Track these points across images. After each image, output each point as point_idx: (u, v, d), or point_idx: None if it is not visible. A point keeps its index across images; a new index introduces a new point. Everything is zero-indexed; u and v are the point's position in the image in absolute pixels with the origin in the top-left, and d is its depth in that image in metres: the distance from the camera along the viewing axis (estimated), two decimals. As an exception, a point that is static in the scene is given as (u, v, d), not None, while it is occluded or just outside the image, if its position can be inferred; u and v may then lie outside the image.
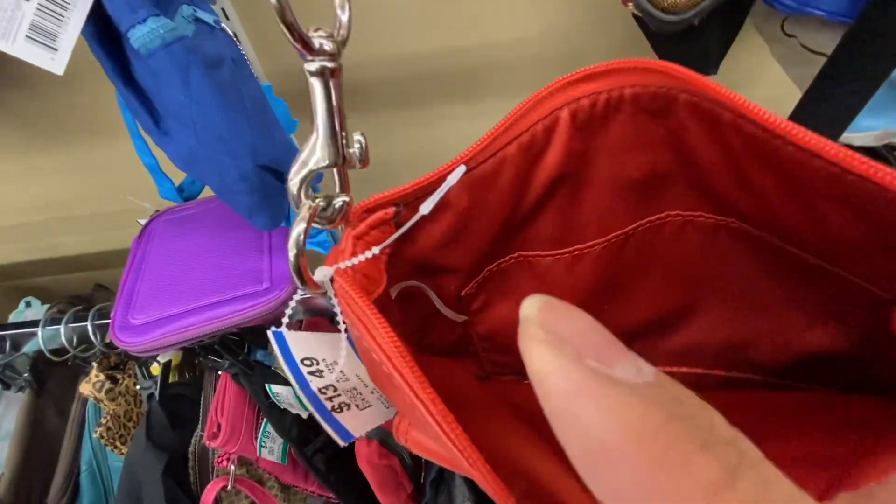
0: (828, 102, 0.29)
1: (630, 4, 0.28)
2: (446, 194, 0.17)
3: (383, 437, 0.47)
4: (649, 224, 0.19)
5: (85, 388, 0.51)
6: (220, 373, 0.53)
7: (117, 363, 0.56)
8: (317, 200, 0.15)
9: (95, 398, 0.50)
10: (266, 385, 0.53)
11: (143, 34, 0.26)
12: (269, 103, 0.34)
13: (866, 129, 0.39)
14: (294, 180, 0.15)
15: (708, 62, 0.36)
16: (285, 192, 0.39)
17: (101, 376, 0.51)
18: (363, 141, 0.16)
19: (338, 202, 0.16)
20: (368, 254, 0.16)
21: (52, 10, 0.25)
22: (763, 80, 0.56)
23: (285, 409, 0.55)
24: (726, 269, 0.19)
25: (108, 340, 0.51)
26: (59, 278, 0.86)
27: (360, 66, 0.60)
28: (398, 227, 0.17)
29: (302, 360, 0.18)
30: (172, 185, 0.52)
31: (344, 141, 0.15)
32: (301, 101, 0.43)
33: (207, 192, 0.57)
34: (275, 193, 0.37)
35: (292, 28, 0.13)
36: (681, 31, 0.26)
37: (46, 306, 0.68)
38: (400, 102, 0.65)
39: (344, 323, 0.16)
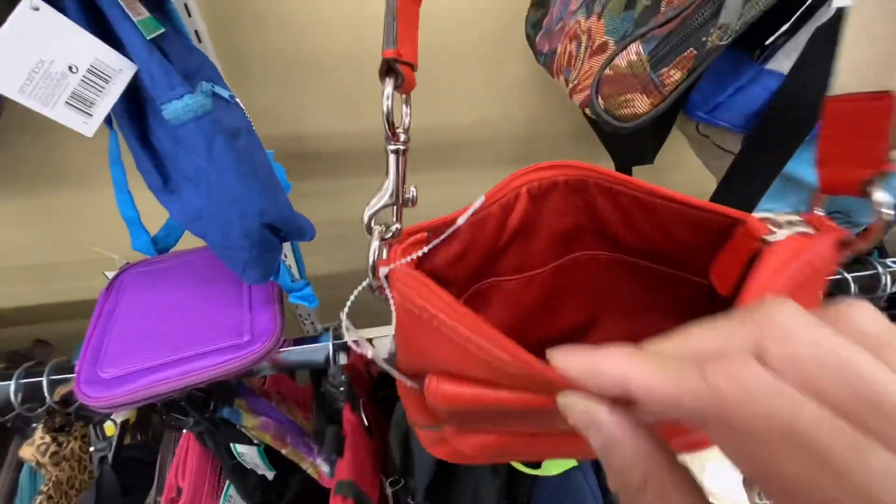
0: (736, 192, 0.37)
1: (586, 110, 0.35)
2: (458, 228, 0.25)
3: (358, 495, 0.47)
4: (571, 259, 0.30)
5: (26, 451, 0.47)
6: (182, 432, 0.51)
7: (62, 424, 0.52)
8: (379, 228, 0.23)
9: (38, 463, 0.47)
10: (231, 444, 0.52)
11: (177, 108, 0.29)
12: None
13: (766, 210, 0.48)
14: (368, 213, 0.23)
15: (647, 154, 0.44)
16: (280, 248, 0.41)
17: (47, 438, 0.48)
18: (415, 191, 0.24)
19: (394, 228, 0.23)
20: (412, 256, 0.22)
21: (94, 82, 0.28)
22: (686, 167, 0.67)
23: (250, 471, 0.53)
24: (617, 290, 0.29)
25: (58, 398, 0.48)
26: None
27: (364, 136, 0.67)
28: (427, 243, 0.24)
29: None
30: (149, 237, 0.52)
31: (403, 189, 0.23)
32: (291, 164, 0.46)
33: (178, 246, 0.57)
34: (271, 249, 0.39)
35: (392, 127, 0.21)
36: (628, 133, 0.33)
37: (-23, 363, 0.62)
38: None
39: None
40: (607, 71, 0.34)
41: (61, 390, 0.48)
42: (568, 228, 0.28)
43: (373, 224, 0.22)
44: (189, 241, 0.55)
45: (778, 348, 0.11)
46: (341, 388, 0.53)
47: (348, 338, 0.24)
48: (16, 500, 0.50)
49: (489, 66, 0.64)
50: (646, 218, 0.25)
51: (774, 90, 0.32)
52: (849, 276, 0.54)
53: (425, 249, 0.23)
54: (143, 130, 0.33)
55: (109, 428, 0.50)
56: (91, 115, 0.29)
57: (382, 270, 0.22)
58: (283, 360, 0.49)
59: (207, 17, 0.53)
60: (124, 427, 0.50)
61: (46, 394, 0.46)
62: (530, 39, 0.54)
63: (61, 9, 0.26)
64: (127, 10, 0.27)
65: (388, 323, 0.21)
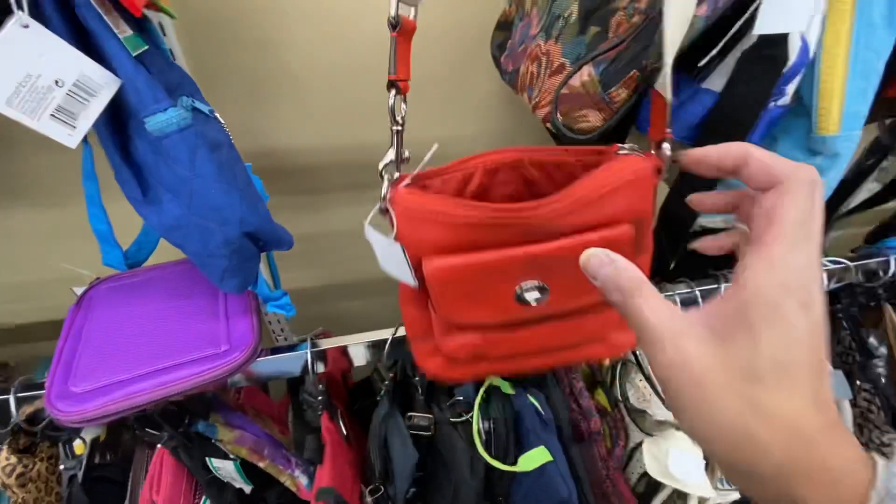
0: (683, 197, 0.41)
1: (548, 124, 0.39)
2: (434, 178, 0.36)
3: (339, 501, 0.48)
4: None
5: (-12, 475, 0.45)
6: (154, 448, 0.50)
7: (27, 445, 0.50)
8: (387, 175, 0.33)
9: (4, 484, 0.45)
10: (206, 458, 0.51)
11: (161, 120, 0.30)
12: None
13: (715, 214, 0.52)
14: (381, 165, 0.33)
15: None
16: (258, 257, 0.42)
17: (13, 459, 0.46)
18: (408, 153, 0.35)
19: (394, 174, 0.34)
20: (405, 183, 0.33)
21: (79, 96, 0.29)
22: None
23: (226, 485, 0.53)
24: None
25: (25, 417, 0.47)
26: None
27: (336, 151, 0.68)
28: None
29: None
30: (121, 252, 0.52)
31: (401, 152, 0.34)
32: (265, 179, 0.47)
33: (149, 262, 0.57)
34: (250, 258, 0.40)
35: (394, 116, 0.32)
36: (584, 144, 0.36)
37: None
38: (349, 183, 0.73)
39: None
40: (564, 90, 0.37)
41: (27, 409, 0.47)
42: (510, 192, 0.38)
43: (384, 173, 0.34)
44: (159, 257, 0.55)
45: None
46: (319, 397, 0.53)
47: (372, 236, 0.34)
48: (-25, 527, 0.47)
49: (458, 84, 0.67)
50: (558, 171, 0.37)
51: (710, 106, 0.36)
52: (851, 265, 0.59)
53: (408, 181, 0.34)
54: (123, 142, 0.34)
55: (79, 447, 0.49)
56: (75, 127, 0.30)
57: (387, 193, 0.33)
58: (258, 370, 0.50)
59: (181, 36, 0.54)
60: (94, 445, 0.49)
61: (14, 412, 0.45)
62: (496, 59, 0.58)
63: (48, 25, 0.27)
64: (112, 28, 0.29)
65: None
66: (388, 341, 0.51)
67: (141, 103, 0.30)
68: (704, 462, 0.50)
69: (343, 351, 0.52)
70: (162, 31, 0.37)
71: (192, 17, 0.54)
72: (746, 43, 0.34)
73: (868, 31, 0.35)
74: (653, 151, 0.31)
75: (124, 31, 0.30)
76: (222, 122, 0.38)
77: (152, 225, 0.37)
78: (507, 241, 0.31)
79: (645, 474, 0.51)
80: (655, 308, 0.21)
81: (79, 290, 0.54)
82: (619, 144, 0.33)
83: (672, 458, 0.47)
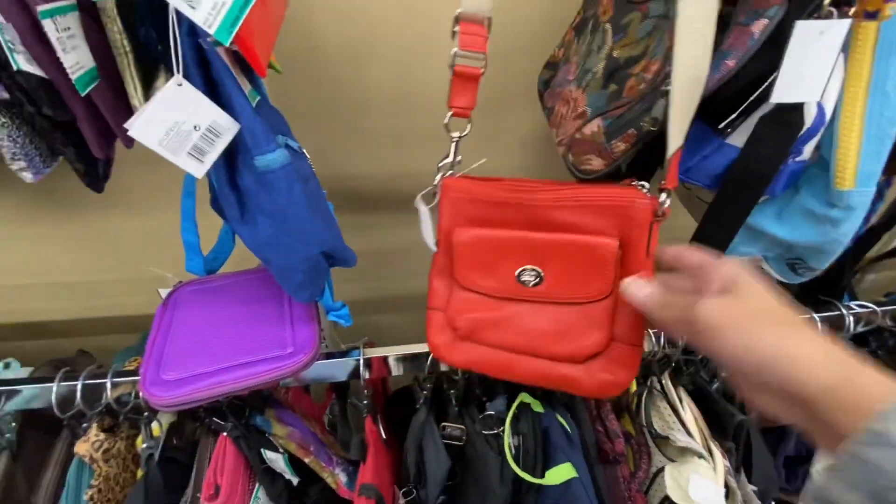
0: (710, 237, 0.45)
1: (562, 159, 0.45)
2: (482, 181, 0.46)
3: (380, 497, 0.52)
4: None
5: (81, 447, 0.52)
6: (217, 436, 0.56)
7: (111, 426, 0.57)
8: (442, 171, 0.46)
9: (91, 458, 0.52)
10: (261, 450, 0.57)
11: (269, 159, 0.37)
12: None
13: (742, 253, 0.56)
14: (439, 165, 0.46)
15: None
16: (329, 272, 0.49)
17: (102, 435, 0.53)
18: (461, 158, 0.45)
19: (448, 173, 0.46)
20: (454, 174, 0.46)
21: (209, 137, 0.36)
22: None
23: (277, 476, 0.59)
24: None
25: (114, 398, 0.54)
26: (34, 343, 0.84)
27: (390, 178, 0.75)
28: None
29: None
30: (202, 260, 0.59)
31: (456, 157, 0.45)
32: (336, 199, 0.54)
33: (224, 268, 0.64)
34: (322, 273, 0.46)
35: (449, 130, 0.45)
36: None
37: (29, 368, 0.68)
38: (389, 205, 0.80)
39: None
40: (577, 135, 0.43)
41: (116, 392, 0.54)
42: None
43: (439, 167, 0.45)
44: (229, 265, 0.63)
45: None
46: (365, 402, 0.59)
47: (420, 206, 0.46)
48: (62, 494, 0.54)
49: (498, 117, 0.73)
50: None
51: (732, 159, 0.41)
52: (815, 316, 0.61)
53: (452, 172, 0.46)
54: (232, 172, 0.41)
55: (156, 429, 0.55)
56: (203, 161, 0.37)
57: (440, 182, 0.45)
58: (313, 372, 0.55)
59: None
60: (170, 429, 0.56)
61: (109, 394, 0.52)
62: (540, 93, 0.64)
63: (190, 80, 0.35)
64: (239, 84, 0.36)
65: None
66: (430, 355, 0.56)
67: (255, 145, 0.37)
68: (724, 490, 0.52)
69: (385, 360, 0.58)
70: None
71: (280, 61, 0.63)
72: (766, 107, 0.38)
73: (882, 101, 0.39)
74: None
75: (246, 86, 0.37)
76: (307, 156, 0.45)
77: (245, 241, 0.44)
78: (515, 221, 0.42)
79: (666, 498, 0.54)
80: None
81: (164, 292, 0.61)
82: (638, 181, 0.39)
83: (693, 484, 0.50)
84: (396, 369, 0.59)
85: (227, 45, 0.31)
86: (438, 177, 0.45)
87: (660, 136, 0.38)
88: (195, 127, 0.35)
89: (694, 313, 0.31)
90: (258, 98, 0.39)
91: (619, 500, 0.58)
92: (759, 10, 0.34)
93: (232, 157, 0.41)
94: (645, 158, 0.41)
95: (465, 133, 0.45)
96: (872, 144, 0.39)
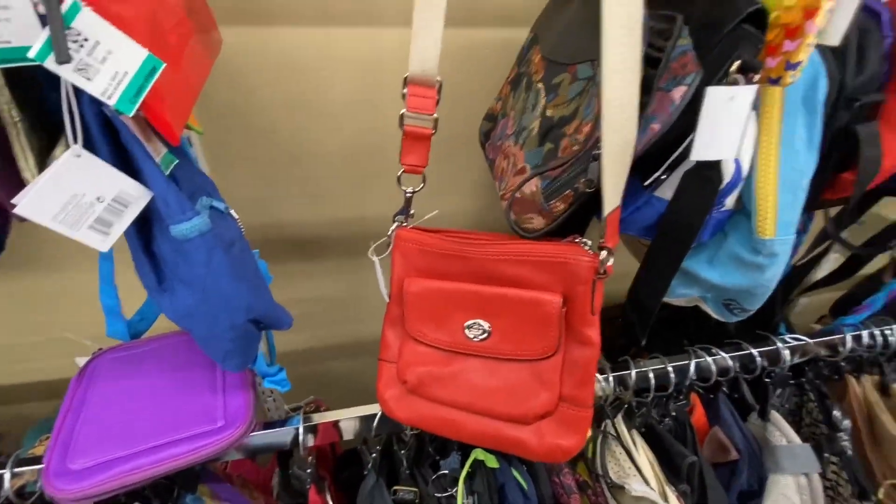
0: (650, 283, 0.46)
1: (505, 215, 0.46)
2: (434, 232, 0.45)
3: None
4: None
5: (-27, 554, 0.45)
6: (141, 523, 0.50)
7: (13, 521, 0.50)
8: (397, 222, 0.46)
9: (-14, 564, 0.45)
10: (192, 533, 0.52)
11: (185, 228, 0.35)
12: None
13: (681, 295, 0.57)
14: (394, 216, 0.46)
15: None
16: (259, 337, 0.46)
17: (0, 538, 0.46)
18: (413, 211, 0.46)
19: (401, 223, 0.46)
20: (406, 225, 0.46)
21: (115, 208, 0.33)
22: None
23: (211, 561, 0.53)
24: None
25: (15, 490, 0.47)
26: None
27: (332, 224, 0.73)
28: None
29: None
30: (125, 324, 0.55)
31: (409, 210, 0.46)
32: (265, 247, 0.51)
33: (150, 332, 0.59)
34: (252, 339, 0.43)
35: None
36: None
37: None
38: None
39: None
40: (517, 194, 0.44)
41: (16, 482, 0.48)
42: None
43: (394, 219, 0.46)
44: (159, 324, 0.58)
45: None
46: (308, 471, 0.55)
47: (375, 256, 0.46)
48: None
49: (450, 163, 0.73)
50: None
51: (661, 212, 0.42)
52: (754, 351, 0.63)
53: (407, 224, 0.46)
54: (147, 240, 0.38)
55: (67, 523, 0.49)
56: (108, 234, 0.34)
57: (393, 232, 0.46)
58: (251, 444, 0.51)
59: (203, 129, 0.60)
60: (82, 521, 0.49)
61: (7, 486, 0.46)
62: (482, 144, 0.65)
63: (95, 150, 0.32)
64: (150, 152, 0.34)
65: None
66: (378, 416, 0.54)
67: (169, 214, 0.34)
68: None
69: (334, 425, 0.54)
70: (189, 142, 0.42)
71: (207, 109, 0.60)
72: (688, 163, 0.40)
73: (792, 156, 0.41)
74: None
75: (160, 152, 0.35)
76: (236, 216, 0.43)
77: (164, 310, 0.40)
78: (464, 274, 0.43)
79: (624, 551, 0.53)
80: None
81: (81, 361, 0.56)
82: (581, 238, 0.40)
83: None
84: (348, 433, 0.56)
85: (131, 115, 0.29)
86: (393, 226, 0.46)
87: (596, 194, 0.38)
88: (98, 198, 0.32)
89: None
90: (174, 162, 0.37)
91: (579, 555, 0.56)
92: (678, 77, 0.35)
93: (147, 224, 0.38)
94: (580, 215, 0.41)
95: (418, 189, 0.45)
96: (787, 195, 0.41)
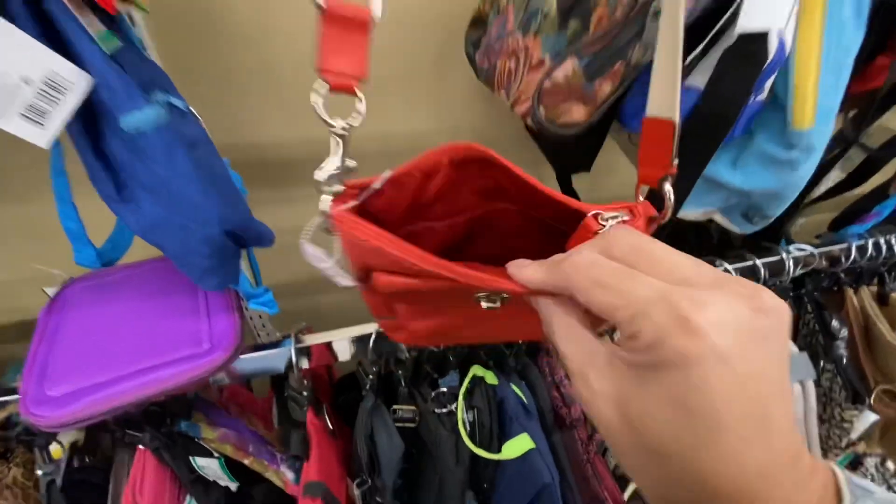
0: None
1: (528, 120, 0.39)
2: (376, 189, 0.29)
3: (326, 494, 0.48)
4: (485, 209, 0.35)
5: (-38, 483, 0.44)
6: (136, 449, 0.49)
7: (2, 452, 0.49)
8: (334, 187, 0.28)
9: (-23, 493, 0.44)
10: (190, 458, 0.51)
11: (137, 118, 0.30)
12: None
13: (698, 205, 0.54)
14: (323, 173, 0.27)
15: (583, 162, 0.48)
16: (239, 254, 0.42)
17: (-13, 466, 0.45)
18: (352, 165, 0.28)
19: (335, 188, 0.28)
20: (347, 206, 0.28)
21: (49, 94, 0.28)
22: (621, 170, 0.74)
23: (212, 483, 0.53)
24: (511, 226, 0.35)
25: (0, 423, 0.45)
26: None
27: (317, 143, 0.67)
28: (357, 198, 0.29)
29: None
30: (94, 250, 0.50)
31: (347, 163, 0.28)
32: (244, 173, 0.47)
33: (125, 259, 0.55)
34: (231, 256, 0.40)
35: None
36: (566, 141, 0.37)
37: None
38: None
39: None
40: (547, 83, 0.38)
41: (4, 413, 0.46)
42: (481, 189, 0.33)
43: (322, 186, 0.28)
44: (134, 255, 0.54)
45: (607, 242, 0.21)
46: (304, 393, 0.53)
47: (311, 256, 0.30)
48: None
49: (434, 78, 0.67)
50: (533, 198, 0.31)
51: (693, 103, 0.37)
52: (759, 262, 0.61)
53: (356, 202, 0.29)
54: (96, 140, 0.33)
55: (56, 451, 0.48)
56: (45, 126, 0.29)
57: (328, 212, 0.28)
58: (241, 368, 0.49)
59: (154, 30, 0.52)
60: (73, 449, 0.48)
61: (-14, 418, 0.43)
62: (470, 57, 0.58)
63: (14, 22, 0.26)
64: (84, 25, 0.28)
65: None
66: (373, 336, 0.52)
67: (115, 102, 0.29)
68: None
69: (327, 346, 0.52)
70: (131, 21, 0.36)
71: (165, 10, 0.53)
72: (727, 41, 0.35)
73: (838, 30, 0.36)
74: (641, 198, 0.28)
75: (97, 28, 0.29)
76: (198, 116, 0.37)
77: (128, 224, 0.36)
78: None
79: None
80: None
81: (51, 291, 0.52)
82: (602, 213, 0.26)
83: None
84: (343, 354, 0.54)
85: (44, -39, 0.23)
86: (324, 202, 0.28)
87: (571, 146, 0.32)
88: (24, 80, 0.27)
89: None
90: (117, 44, 0.31)
91: (579, 464, 0.57)
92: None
93: (95, 121, 0.33)
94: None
95: (355, 123, 0.27)
96: (829, 77, 0.37)
